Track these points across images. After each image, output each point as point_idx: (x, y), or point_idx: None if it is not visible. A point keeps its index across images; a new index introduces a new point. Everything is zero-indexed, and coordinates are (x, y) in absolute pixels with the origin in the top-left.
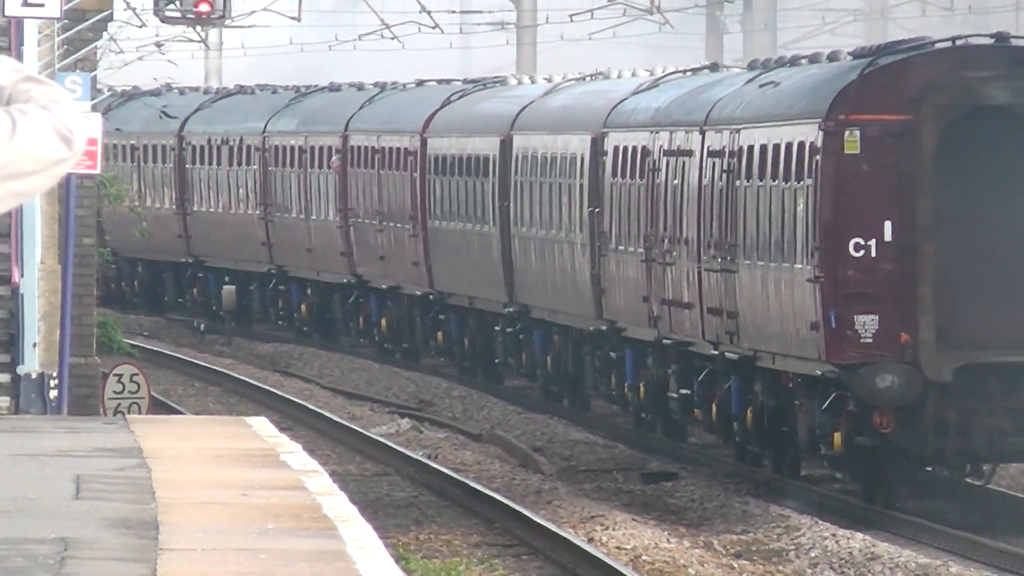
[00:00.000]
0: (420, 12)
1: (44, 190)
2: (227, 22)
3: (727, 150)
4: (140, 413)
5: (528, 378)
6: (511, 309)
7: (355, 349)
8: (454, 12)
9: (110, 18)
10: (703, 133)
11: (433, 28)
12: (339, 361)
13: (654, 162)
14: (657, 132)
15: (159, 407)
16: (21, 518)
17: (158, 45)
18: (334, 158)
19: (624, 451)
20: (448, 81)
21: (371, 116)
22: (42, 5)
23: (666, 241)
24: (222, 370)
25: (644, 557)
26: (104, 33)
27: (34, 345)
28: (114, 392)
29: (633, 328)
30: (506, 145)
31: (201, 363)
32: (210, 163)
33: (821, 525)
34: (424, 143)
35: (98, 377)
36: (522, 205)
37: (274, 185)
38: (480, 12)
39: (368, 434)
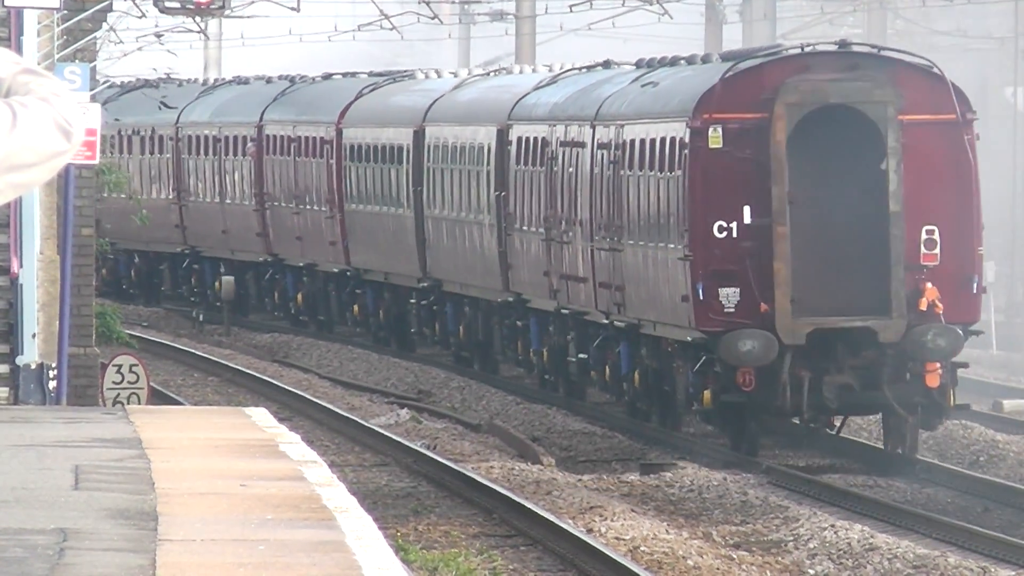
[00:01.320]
0: (419, 3)
1: (43, 182)
2: (227, 12)
3: (613, 143)
4: (139, 403)
5: (441, 346)
6: (425, 283)
7: (273, 323)
8: (454, 3)
9: (109, 8)
10: (593, 127)
11: (432, 19)
12: (338, 351)
13: (552, 152)
14: (555, 125)
15: (158, 397)
16: (20, 508)
17: (157, 36)
18: (250, 145)
19: (623, 442)
20: (354, 74)
21: (286, 107)
22: None
23: (563, 222)
24: (221, 360)
25: (643, 548)
26: (103, 23)
27: (33, 335)
28: (113, 382)
29: (536, 300)
30: (419, 135)
31: (200, 353)
32: (120, 152)
33: (819, 516)
34: (340, 133)
35: (97, 367)
36: (434, 189)
37: (187, 172)
38: (479, 2)
39: (367, 424)
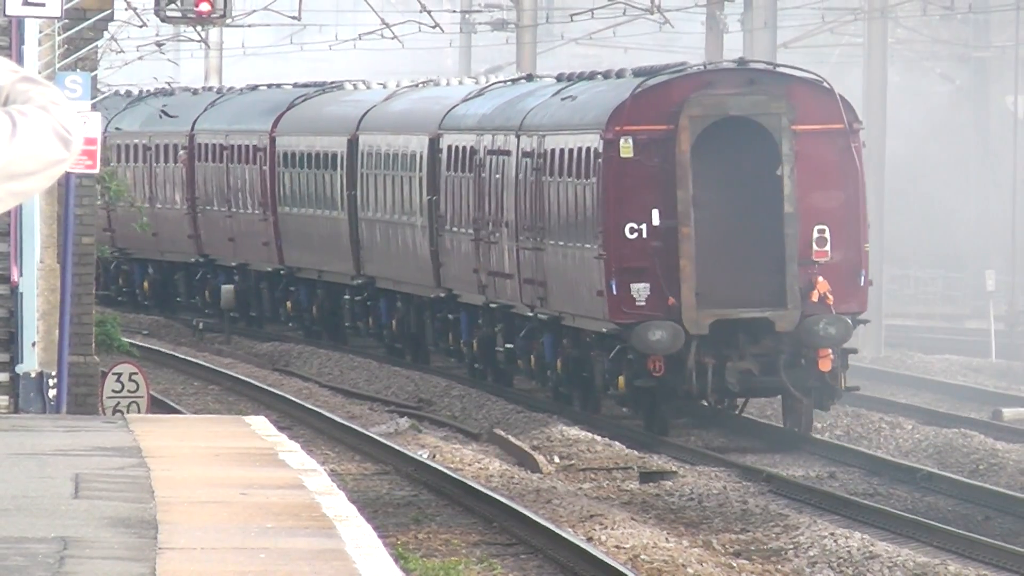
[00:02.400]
0: (420, 12)
1: (42, 190)
2: (227, 22)
3: (536, 152)
4: (139, 412)
5: (374, 338)
6: (359, 281)
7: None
8: (455, 12)
9: (111, 17)
10: (518, 137)
11: (433, 28)
12: (338, 360)
13: (480, 160)
14: (482, 135)
15: (158, 406)
16: (20, 517)
17: (158, 45)
18: (181, 153)
19: (623, 450)
20: (279, 85)
21: (217, 117)
22: (43, 4)
23: (491, 224)
24: (221, 369)
25: (643, 556)
26: (105, 32)
27: (33, 344)
28: (113, 391)
29: (466, 294)
30: (353, 143)
31: (200, 362)
32: None
33: (820, 524)
34: (273, 141)
35: (97, 376)
36: (368, 194)
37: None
38: (480, 11)
39: (367, 433)
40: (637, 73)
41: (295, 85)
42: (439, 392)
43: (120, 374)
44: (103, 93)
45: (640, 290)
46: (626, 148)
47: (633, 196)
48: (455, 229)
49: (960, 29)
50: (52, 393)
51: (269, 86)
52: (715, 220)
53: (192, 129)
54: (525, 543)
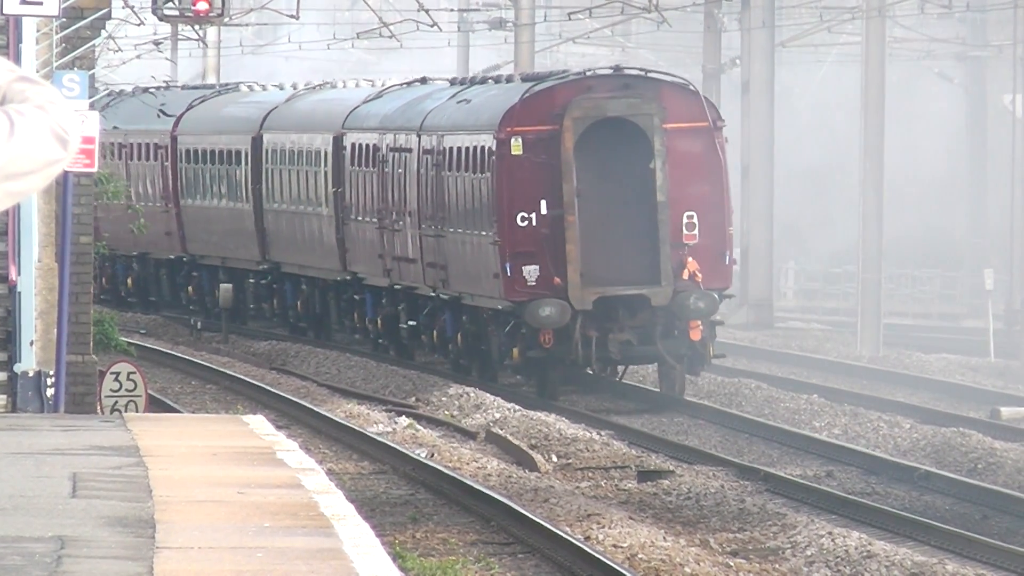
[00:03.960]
0: (419, 11)
1: (39, 190)
2: (225, 20)
3: (435, 150)
4: (137, 411)
5: (280, 319)
6: (264, 266)
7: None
8: (452, 11)
9: (108, 16)
10: (419, 136)
11: (431, 27)
12: (336, 359)
13: (383, 156)
14: (385, 134)
15: (156, 405)
16: (18, 516)
17: (156, 43)
18: None
19: (621, 449)
20: (168, 87)
21: (112, 118)
22: (40, 3)
23: (394, 213)
24: (219, 368)
25: (640, 555)
26: (102, 31)
27: (31, 343)
28: (111, 390)
29: (371, 278)
30: (257, 141)
31: (198, 361)
32: None
33: (817, 523)
34: (175, 139)
35: (95, 375)
36: (273, 187)
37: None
38: (478, 10)
39: (365, 432)
40: (525, 79)
41: (183, 88)
42: (437, 391)
43: (118, 373)
44: (100, 92)
45: (531, 272)
46: (516, 146)
47: (523, 189)
48: (360, 218)
49: (958, 28)
50: (50, 392)
51: (157, 88)
52: (596, 209)
53: None
54: (522, 542)
